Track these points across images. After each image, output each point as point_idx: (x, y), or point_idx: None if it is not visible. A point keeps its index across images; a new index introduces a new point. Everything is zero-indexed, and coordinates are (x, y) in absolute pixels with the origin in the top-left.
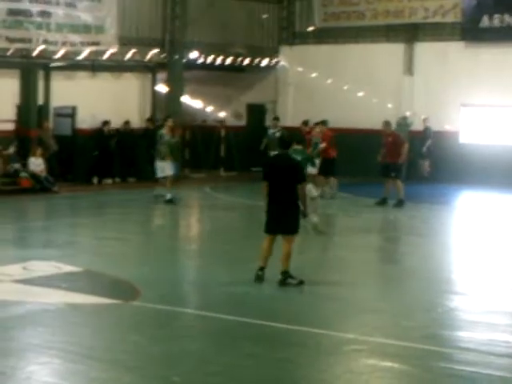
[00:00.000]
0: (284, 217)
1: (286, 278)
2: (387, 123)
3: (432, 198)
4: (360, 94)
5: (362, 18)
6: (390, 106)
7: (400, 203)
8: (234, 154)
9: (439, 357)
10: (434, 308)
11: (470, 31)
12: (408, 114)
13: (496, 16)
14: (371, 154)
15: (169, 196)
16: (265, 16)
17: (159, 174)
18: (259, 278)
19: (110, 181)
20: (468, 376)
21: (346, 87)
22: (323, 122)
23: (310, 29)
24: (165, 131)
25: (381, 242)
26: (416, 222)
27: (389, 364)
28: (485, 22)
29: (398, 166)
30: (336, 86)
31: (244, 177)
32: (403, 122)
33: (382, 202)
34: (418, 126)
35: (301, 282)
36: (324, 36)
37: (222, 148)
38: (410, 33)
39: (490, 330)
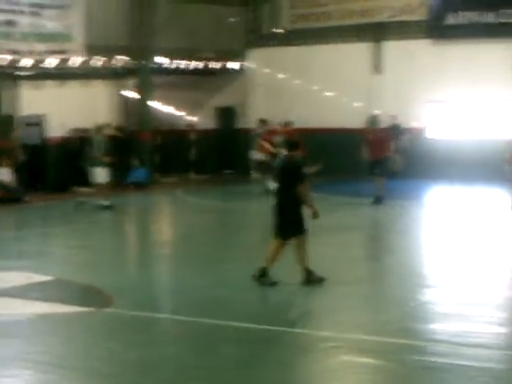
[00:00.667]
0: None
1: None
2: (372, 120)
3: (402, 194)
4: (329, 93)
5: (330, 18)
6: (359, 104)
7: (378, 200)
8: (204, 158)
9: (413, 350)
10: (407, 302)
11: (436, 29)
12: (377, 112)
13: (461, 13)
14: (342, 152)
15: (106, 202)
16: (232, 19)
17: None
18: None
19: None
20: (441, 367)
21: (315, 87)
22: (288, 123)
23: (279, 31)
24: (99, 136)
25: (355, 240)
26: (389, 218)
27: (364, 359)
28: (450, 19)
29: (383, 162)
30: (305, 86)
31: (215, 180)
32: (373, 121)
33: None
34: (387, 123)
35: (321, 280)
36: (292, 38)
37: (192, 151)
38: (378, 32)
39: (462, 322)
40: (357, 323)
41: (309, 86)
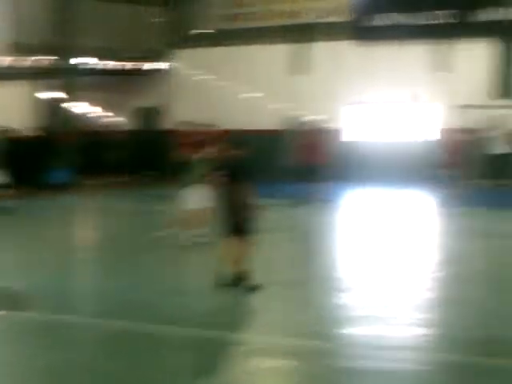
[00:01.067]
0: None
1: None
2: (304, 123)
3: (320, 197)
4: (255, 94)
5: (258, 19)
6: (285, 106)
7: (299, 203)
8: (126, 159)
9: (328, 353)
10: (325, 305)
11: (362, 30)
12: (303, 113)
13: (386, 15)
14: (266, 154)
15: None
16: (156, 20)
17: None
18: (221, 284)
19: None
20: (356, 370)
21: (240, 89)
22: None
23: (206, 31)
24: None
25: (275, 242)
26: (308, 221)
27: (280, 362)
28: (376, 20)
29: (316, 167)
30: (230, 87)
31: (136, 181)
32: (297, 122)
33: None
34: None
35: (259, 286)
36: (219, 38)
37: (115, 153)
38: (305, 33)
39: (379, 324)
40: (273, 326)
41: (234, 88)
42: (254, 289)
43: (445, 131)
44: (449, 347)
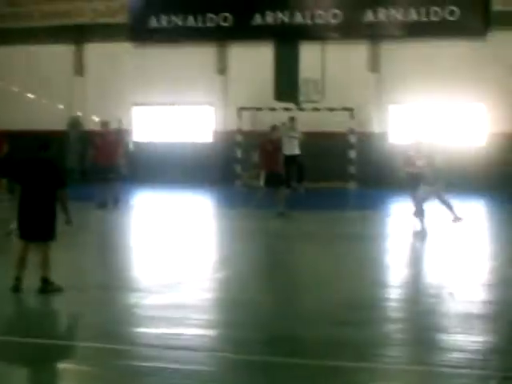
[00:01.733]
0: (40, 223)
1: (46, 285)
2: (275, 127)
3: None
4: (31, 95)
5: (31, 19)
6: (61, 107)
7: (103, 205)
8: None
9: (116, 354)
10: (111, 306)
11: (138, 32)
12: (79, 114)
13: (163, 16)
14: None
15: None
16: None
17: None
18: (16, 288)
19: None
20: (147, 371)
21: (16, 89)
22: None
23: None
24: None
25: (74, 245)
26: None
27: (69, 366)
28: (153, 22)
29: (115, 167)
30: (6, 88)
31: None
32: (75, 123)
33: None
34: (90, 126)
35: (59, 289)
36: None
37: None
38: (79, 34)
39: (165, 324)
40: (61, 329)
41: (10, 88)
42: (54, 291)
43: (219, 133)
44: (232, 347)
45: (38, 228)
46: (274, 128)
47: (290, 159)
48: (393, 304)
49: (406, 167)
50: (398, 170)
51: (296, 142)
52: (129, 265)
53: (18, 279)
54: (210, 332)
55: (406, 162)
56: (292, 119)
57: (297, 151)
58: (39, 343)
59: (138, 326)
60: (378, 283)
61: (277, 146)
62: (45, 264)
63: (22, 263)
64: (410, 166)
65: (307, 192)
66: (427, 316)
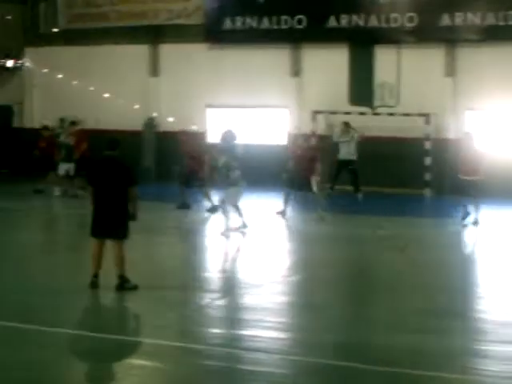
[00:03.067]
0: (112, 220)
1: (123, 283)
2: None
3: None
4: (107, 95)
5: (107, 19)
6: (136, 107)
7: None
8: None
9: (192, 353)
10: (186, 306)
11: (213, 33)
12: (155, 115)
13: (238, 18)
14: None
15: None
16: (9, 17)
17: None
18: (94, 285)
19: None
20: (220, 371)
21: (93, 88)
22: (73, 123)
23: (55, 30)
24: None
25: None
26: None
27: (142, 362)
28: (227, 24)
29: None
30: (83, 87)
31: None
32: (150, 123)
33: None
34: (163, 127)
35: (135, 287)
36: (70, 37)
37: None
38: (155, 34)
39: (239, 326)
40: (137, 326)
41: (87, 87)
42: (130, 289)
43: (293, 136)
44: (306, 351)
45: (110, 226)
46: (310, 135)
47: (343, 164)
48: (472, 314)
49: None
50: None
51: (349, 147)
52: (206, 266)
53: (95, 276)
54: (284, 335)
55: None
56: (345, 124)
57: (351, 156)
58: (113, 339)
59: (213, 326)
60: (455, 292)
61: (313, 152)
62: (120, 262)
63: (97, 261)
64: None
65: (381, 197)
66: (509, 328)
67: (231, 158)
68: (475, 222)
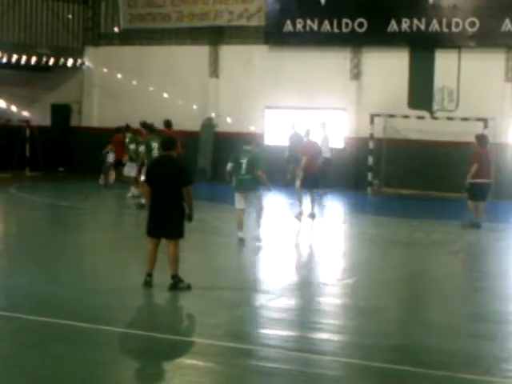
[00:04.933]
0: (167, 220)
1: (176, 282)
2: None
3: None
4: (166, 95)
5: (168, 19)
6: (195, 107)
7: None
8: (39, 154)
9: (243, 354)
10: (238, 306)
11: (274, 35)
12: (213, 115)
13: (299, 20)
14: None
15: None
16: (70, 16)
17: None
18: (147, 284)
19: None
20: (270, 372)
21: (152, 89)
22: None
23: (115, 30)
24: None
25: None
26: (220, 223)
27: (193, 362)
28: (288, 26)
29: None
30: (142, 87)
31: (49, 177)
32: (209, 124)
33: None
34: (222, 127)
35: (189, 287)
36: (129, 37)
37: (27, 148)
38: (215, 35)
39: (291, 327)
40: (187, 325)
41: (146, 87)
42: (183, 289)
43: (352, 139)
44: (358, 353)
45: (165, 225)
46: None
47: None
48: None
49: None
50: None
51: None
52: (259, 266)
53: (149, 275)
54: (335, 337)
55: None
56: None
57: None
58: (165, 338)
59: (265, 327)
60: (506, 297)
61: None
62: (174, 261)
63: (152, 260)
64: None
65: (435, 201)
66: None
67: None
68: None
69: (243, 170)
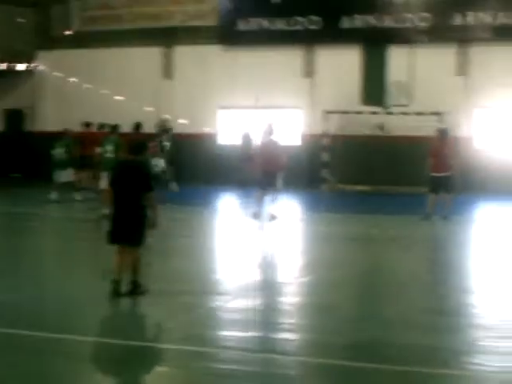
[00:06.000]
0: (126, 227)
1: (134, 288)
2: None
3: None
4: (120, 97)
5: (121, 21)
6: (149, 109)
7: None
8: None
9: (201, 356)
10: (195, 309)
11: (227, 35)
12: (168, 117)
13: (252, 19)
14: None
15: None
16: (21, 20)
17: None
18: (115, 291)
19: None
20: (229, 374)
21: (106, 91)
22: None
23: (68, 33)
24: None
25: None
26: (183, 225)
27: (151, 366)
28: (241, 25)
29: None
30: (96, 90)
31: (2, 183)
32: (163, 125)
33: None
34: (176, 129)
35: (147, 292)
36: (82, 40)
37: None
38: (169, 36)
39: (248, 328)
40: (144, 330)
41: (99, 90)
42: (141, 294)
43: (307, 136)
44: (317, 351)
45: (125, 232)
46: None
47: None
48: (479, 311)
49: None
50: None
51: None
52: (215, 268)
53: (117, 282)
54: (293, 336)
55: None
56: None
57: None
58: (123, 344)
59: (222, 329)
60: (464, 290)
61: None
62: (133, 268)
63: (118, 267)
64: None
65: (391, 196)
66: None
67: None
68: (445, 217)
69: None
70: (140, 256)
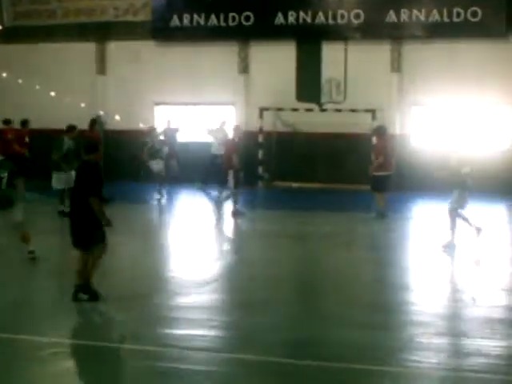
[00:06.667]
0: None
1: (77, 292)
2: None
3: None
4: (53, 93)
5: (54, 16)
6: (83, 105)
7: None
8: None
9: (141, 355)
10: (134, 307)
11: (161, 30)
12: (102, 113)
13: (186, 15)
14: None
15: None
16: None
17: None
18: (75, 295)
19: None
20: (169, 372)
21: (39, 87)
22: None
23: (3, 27)
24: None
25: None
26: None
27: (88, 365)
28: (175, 21)
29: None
30: (29, 85)
31: None
32: (98, 121)
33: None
34: (111, 125)
35: (93, 297)
36: (15, 35)
37: None
38: (102, 32)
39: (188, 326)
40: (78, 329)
41: (32, 86)
42: (84, 298)
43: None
44: (253, 349)
45: (75, 235)
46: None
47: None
48: (415, 308)
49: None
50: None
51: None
52: (153, 266)
53: (75, 286)
54: (230, 333)
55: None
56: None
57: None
58: (63, 343)
59: (162, 327)
60: (400, 287)
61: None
62: (77, 271)
63: (80, 271)
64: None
65: (326, 193)
66: (450, 320)
67: None
68: (383, 215)
69: None
70: (97, 259)
